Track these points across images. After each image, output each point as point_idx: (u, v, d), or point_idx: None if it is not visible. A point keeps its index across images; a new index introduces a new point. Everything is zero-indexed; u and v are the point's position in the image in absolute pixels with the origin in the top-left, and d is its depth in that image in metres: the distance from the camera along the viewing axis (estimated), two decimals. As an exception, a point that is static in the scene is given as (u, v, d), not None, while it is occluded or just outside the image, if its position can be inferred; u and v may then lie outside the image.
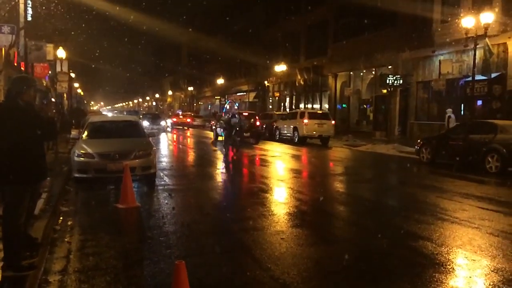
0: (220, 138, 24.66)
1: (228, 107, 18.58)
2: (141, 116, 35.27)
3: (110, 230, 6.16)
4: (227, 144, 17.04)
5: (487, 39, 17.23)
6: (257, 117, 25.33)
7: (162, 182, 10.15)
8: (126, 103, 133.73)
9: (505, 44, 18.27)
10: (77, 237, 5.84)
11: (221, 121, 18.37)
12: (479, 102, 19.64)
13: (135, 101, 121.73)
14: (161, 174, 11.21)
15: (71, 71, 31.26)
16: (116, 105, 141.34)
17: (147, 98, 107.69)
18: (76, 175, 9.21)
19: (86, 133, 10.27)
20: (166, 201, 8.11)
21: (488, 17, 16.45)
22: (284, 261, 4.94)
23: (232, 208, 8.02)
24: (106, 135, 10.20)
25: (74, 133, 19.60)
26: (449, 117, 19.22)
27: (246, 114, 25.92)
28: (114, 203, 7.71)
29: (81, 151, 9.17)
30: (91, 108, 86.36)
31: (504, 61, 18.46)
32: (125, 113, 48.44)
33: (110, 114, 43.40)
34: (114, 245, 5.44)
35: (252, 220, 6.79)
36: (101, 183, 9.51)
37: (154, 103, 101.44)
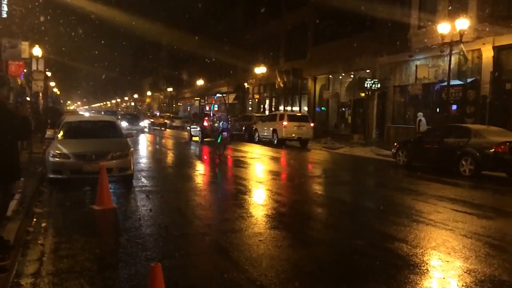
0: (195, 139, 25.27)
1: (213, 106, 18.37)
2: (119, 117, 34.85)
3: (85, 232, 6.05)
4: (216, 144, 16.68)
5: (462, 45, 17.65)
6: (229, 118, 25.69)
7: (140, 184, 10.04)
8: (104, 103, 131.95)
9: (479, 50, 18.73)
10: (51, 239, 5.71)
11: (213, 120, 17.43)
12: (454, 107, 20.09)
13: (113, 101, 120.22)
14: (139, 175, 11.09)
15: (47, 69, 30.64)
16: (94, 105, 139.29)
17: (126, 98, 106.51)
18: (51, 175, 9.02)
19: (61, 133, 10.07)
20: (143, 203, 8.01)
21: (463, 23, 16.85)
22: (262, 263, 4.94)
23: (210, 210, 7.98)
24: (82, 135, 10.04)
25: (49, 133, 19.18)
26: (420, 120, 19.83)
27: (219, 115, 26.50)
28: (89, 204, 7.57)
29: (56, 151, 8.99)
30: (68, 108, 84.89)
31: (478, 67, 18.92)
32: (102, 113, 47.71)
33: (87, 114, 42.73)
34: (89, 248, 5.34)
35: (230, 222, 6.78)
36: (76, 184, 9.34)
37: (132, 104, 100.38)
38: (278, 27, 36.13)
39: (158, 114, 53.20)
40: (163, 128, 42.12)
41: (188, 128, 27.49)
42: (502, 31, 17.62)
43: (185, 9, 56.63)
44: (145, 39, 73.85)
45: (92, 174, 8.48)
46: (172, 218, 7.16)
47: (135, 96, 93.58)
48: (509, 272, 4.78)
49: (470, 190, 10.94)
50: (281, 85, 34.74)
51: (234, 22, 44.73)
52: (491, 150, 12.04)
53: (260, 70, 35.00)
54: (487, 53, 18.41)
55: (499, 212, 8.27)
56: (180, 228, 6.45)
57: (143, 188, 9.50)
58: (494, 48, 18.13)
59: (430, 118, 20.44)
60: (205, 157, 17.85)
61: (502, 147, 11.92)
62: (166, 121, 44.91)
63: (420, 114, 20.10)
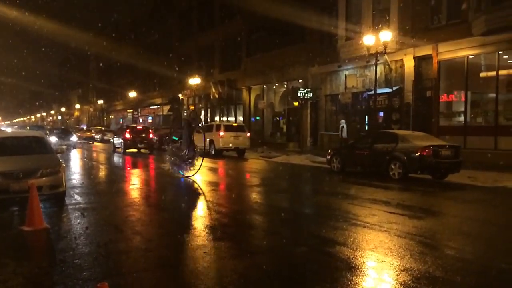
0: (118, 150, 26.89)
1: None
2: (47, 132, 33.09)
3: (16, 255, 5.66)
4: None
5: (386, 56, 18.75)
6: (150, 130, 27.17)
7: (73, 201, 9.56)
8: (28, 117, 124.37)
9: (401, 60, 20.01)
10: (-23, 265, 5.28)
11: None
12: (381, 114, 21.23)
13: (38, 115, 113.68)
14: (72, 192, 10.57)
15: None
16: (16, 120, 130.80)
17: (52, 112, 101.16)
18: (-27, 197, 8.33)
19: (-17, 151, 9.35)
20: (78, 221, 7.64)
21: (386, 35, 17.93)
22: (208, 275, 4.90)
23: (150, 225, 7.77)
24: (7, 153, 9.35)
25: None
26: (342, 127, 21.24)
27: (140, 127, 28.41)
28: (19, 226, 7.09)
29: (-21, 171, 8.33)
30: (-13, 124, 78.96)
31: (402, 76, 20.19)
32: (28, 128, 44.97)
33: (9, 130, 40.03)
34: (21, 272, 5.00)
35: (173, 236, 6.66)
36: (2, 205, 8.71)
37: (60, 117, 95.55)
38: (212, 38, 36.24)
39: (84, 127, 51.80)
40: (90, 142, 40.95)
41: (112, 140, 29.83)
42: (420, 43, 18.98)
43: (116, 18, 55.15)
44: (73, 49, 70.85)
45: (20, 193, 7.98)
46: (110, 235, 6.88)
47: (63, 109, 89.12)
48: (442, 268, 5.11)
49: (400, 192, 11.56)
50: (216, 95, 34.80)
51: (168, 33, 44.20)
52: (417, 154, 12.84)
53: (195, 81, 34.83)
54: (409, 63, 19.71)
55: (428, 212, 8.83)
56: (120, 245, 6.21)
57: (77, 206, 9.06)
58: (414, 58, 19.46)
59: (361, 125, 21.51)
60: (139, 169, 17.39)
61: (427, 150, 12.76)
62: (93, 134, 44.04)
63: (342, 121, 21.60)
